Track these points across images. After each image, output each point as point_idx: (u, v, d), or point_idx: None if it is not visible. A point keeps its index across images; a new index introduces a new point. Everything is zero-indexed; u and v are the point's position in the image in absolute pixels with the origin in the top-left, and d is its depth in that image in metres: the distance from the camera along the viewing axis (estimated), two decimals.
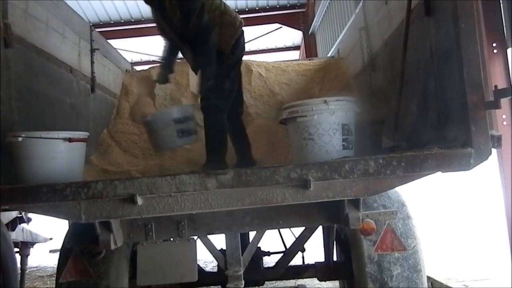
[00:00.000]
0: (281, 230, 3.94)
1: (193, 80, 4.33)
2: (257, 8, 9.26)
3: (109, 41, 5.27)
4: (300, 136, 2.70)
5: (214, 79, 3.35)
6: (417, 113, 2.90)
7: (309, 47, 9.11)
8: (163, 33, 3.63)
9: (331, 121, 2.65)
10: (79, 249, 3.02)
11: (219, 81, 3.40)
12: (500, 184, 3.80)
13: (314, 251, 4.60)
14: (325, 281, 3.92)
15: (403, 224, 3.06)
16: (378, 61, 3.77)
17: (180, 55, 3.78)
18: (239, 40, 3.57)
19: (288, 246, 3.73)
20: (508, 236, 3.76)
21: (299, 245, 3.51)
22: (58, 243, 3.52)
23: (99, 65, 4.48)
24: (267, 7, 9.33)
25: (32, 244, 6.20)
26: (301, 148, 2.72)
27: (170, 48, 3.73)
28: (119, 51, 5.51)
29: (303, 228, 3.26)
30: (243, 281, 2.95)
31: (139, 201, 2.41)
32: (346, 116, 2.70)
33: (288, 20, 9.38)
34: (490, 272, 5.43)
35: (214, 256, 3.10)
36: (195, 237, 3.04)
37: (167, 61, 3.78)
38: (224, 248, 3.03)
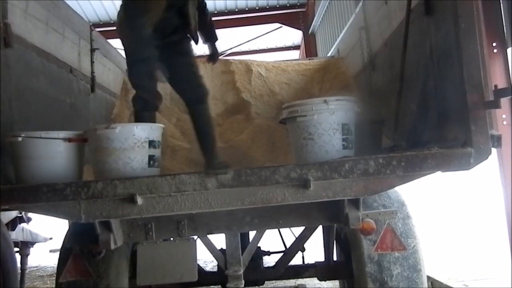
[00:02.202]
0: (281, 229, 3.94)
1: None
2: (257, 8, 9.23)
3: (109, 41, 5.26)
4: (300, 136, 2.70)
5: None
6: (417, 113, 2.89)
7: (309, 46, 9.09)
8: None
9: (331, 120, 2.64)
10: (79, 249, 3.03)
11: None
12: (500, 184, 3.80)
13: (314, 250, 4.60)
14: (325, 280, 3.92)
15: (403, 223, 3.06)
16: (378, 61, 3.77)
17: None
18: None
19: (288, 246, 3.73)
20: (508, 236, 3.76)
21: (299, 244, 3.51)
22: (58, 243, 3.52)
23: (99, 64, 4.48)
24: (267, 7, 9.31)
25: (32, 244, 6.19)
26: (301, 148, 2.71)
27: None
28: (119, 51, 5.50)
29: (303, 227, 3.26)
30: (243, 281, 2.95)
31: (139, 201, 2.41)
32: (346, 116, 2.69)
33: (288, 20, 9.36)
34: (490, 272, 5.43)
35: (214, 256, 3.10)
36: (195, 237, 3.04)
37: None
38: (224, 248, 3.03)
